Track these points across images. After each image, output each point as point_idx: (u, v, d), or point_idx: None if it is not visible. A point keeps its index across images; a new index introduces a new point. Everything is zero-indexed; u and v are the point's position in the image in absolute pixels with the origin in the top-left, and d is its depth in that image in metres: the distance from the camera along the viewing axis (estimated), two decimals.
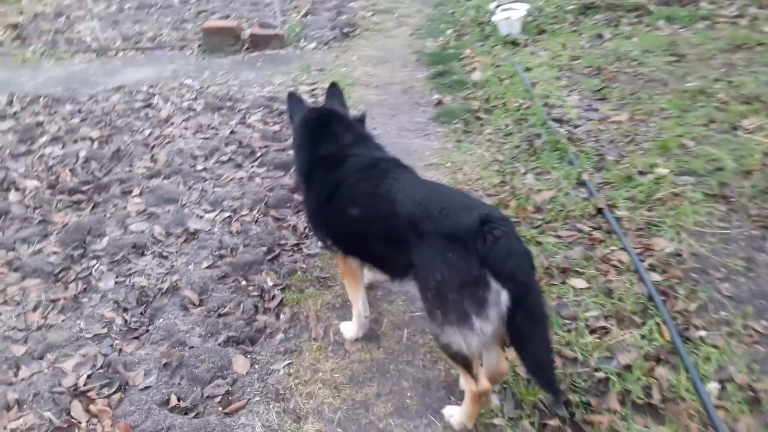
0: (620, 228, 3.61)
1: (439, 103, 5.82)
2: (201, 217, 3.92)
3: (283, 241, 3.67)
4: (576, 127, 5.00)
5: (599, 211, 3.82)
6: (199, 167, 4.60)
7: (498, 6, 7.80)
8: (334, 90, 3.07)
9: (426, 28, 8.42)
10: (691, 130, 4.65)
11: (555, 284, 3.24)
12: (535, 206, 3.97)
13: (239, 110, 5.70)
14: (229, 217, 3.92)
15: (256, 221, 3.87)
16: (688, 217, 3.63)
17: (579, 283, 3.23)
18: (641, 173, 4.18)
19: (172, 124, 5.48)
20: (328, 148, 2.69)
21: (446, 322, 2.10)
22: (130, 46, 8.33)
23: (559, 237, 3.63)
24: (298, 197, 4.18)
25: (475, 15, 8.32)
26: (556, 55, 6.64)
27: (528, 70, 6.35)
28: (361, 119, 4.16)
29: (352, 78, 6.60)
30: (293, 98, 3.09)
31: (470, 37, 7.57)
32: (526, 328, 2.04)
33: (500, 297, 2.00)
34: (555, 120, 5.12)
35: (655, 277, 3.21)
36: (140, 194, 4.24)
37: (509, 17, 7.33)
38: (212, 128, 5.29)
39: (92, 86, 6.83)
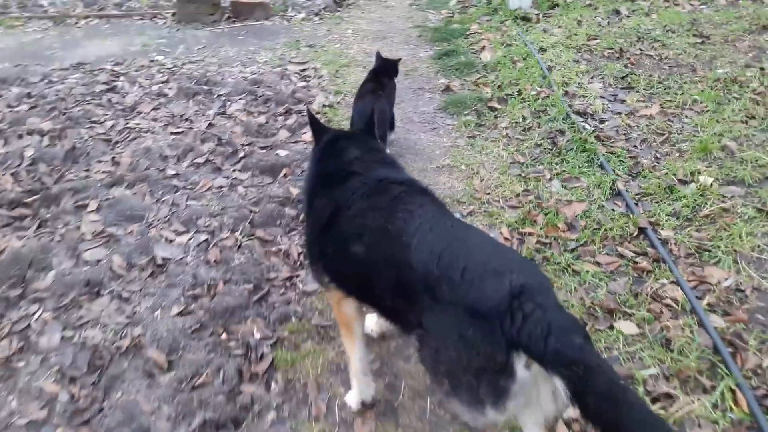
0: (668, 254, 3.06)
1: (447, 89, 5.16)
2: (171, 242, 3.26)
3: (272, 274, 3.04)
4: (602, 122, 4.42)
5: (641, 231, 3.27)
6: (170, 172, 3.90)
7: None
8: (369, 121, 2.58)
9: None
10: (730, 127, 4.14)
11: (601, 330, 2.70)
12: (567, 223, 3.42)
13: (218, 96, 4.97)
14: (206, 241, 3.27)
15: (239, 247, 3.22)
16: (743, 239, 3.12)
17: (629, 327, 2.71)
18: (682, 182, 3.65)
19: (139, 113, 4.74)
20: (331, 165, 2.33)
21: (454, 396, 1.76)
22: (94, 12, 7.45)
23: (598, 264, 3.08)
24: (290, 211, 3.53)
25: None
26: (572, 34, 6.01)
27: (542, 50, 5.70)
28: (394, 64, 4.24)
29: (348, 57, 5.88)
30: (316, 122, 2.58)
31: (476, 11, 6.87)
32: (609, 414, 1.49)
33: (552, 389, 1.58)
34: (578, 113, 4.51)
35: (717, 321, 2.70)
36: (97, 209, 3.55)
37: None
38: (186, 120, 4.57)
39: (46, 62, 6.01)
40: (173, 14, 7.10)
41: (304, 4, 7.29)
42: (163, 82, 5.28)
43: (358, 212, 2.07)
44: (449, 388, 1.75)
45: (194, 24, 6.90)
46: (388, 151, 4.29)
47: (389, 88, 4.19)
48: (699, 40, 5.61)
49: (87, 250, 3.23)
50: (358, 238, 2.03)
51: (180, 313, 2.77)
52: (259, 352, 2.57)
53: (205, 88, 5.08)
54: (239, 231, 3.35)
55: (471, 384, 1.67)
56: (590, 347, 1.57)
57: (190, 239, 3.29)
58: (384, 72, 4.22)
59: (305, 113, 4.66)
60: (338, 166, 2.28)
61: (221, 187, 3.76)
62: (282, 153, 4.11)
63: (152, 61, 5.93)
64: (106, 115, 4.76)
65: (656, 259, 3.03)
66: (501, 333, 1.57)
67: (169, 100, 4.92)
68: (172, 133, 4.38)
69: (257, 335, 2.65)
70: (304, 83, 5.20)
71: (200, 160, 4.04)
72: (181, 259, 3.16)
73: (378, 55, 4.33)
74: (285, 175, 3.90)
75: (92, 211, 3.56)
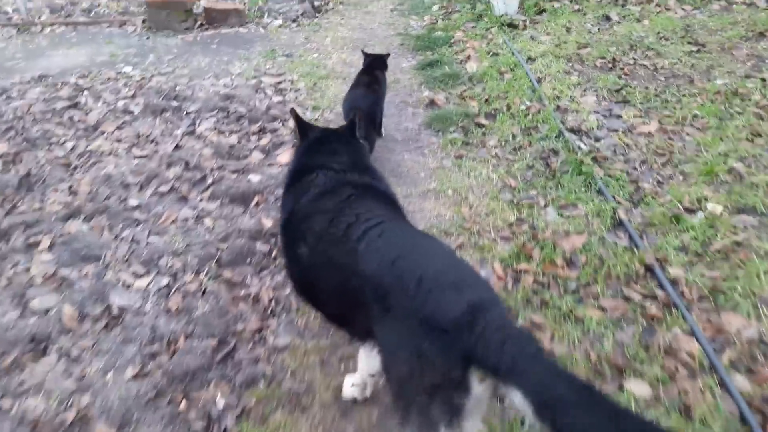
0: (680, 297, 2.78)
1: (432, 103, 4.86)
2: (128, 287, 2.94)
3: (239, 325, 2.73)
4: (597, 140, 4.15)
5: (648, 269, 2.99)
6: (132, 202, 3.57)
7: None
8: (352, 122, 2.51)
9: (409, 3, 7.37)
10: (735, 146, 3.88)
11: (610, 391, 2.40)
12: (565, 258, 3.13)
13: (187, 113, 4.63)
14: (167, 286, 2.95)
15: (204, 292, 2.91)
16: (761, 279, 2.83)
17: (641, 389, 2.41)
18: (689, 211, 3.37)
19: (102, 133, 4.40)
20: (300, 165, 2.31)
21: (408, 422, 1.63)
22: (60, 20, 7.05)
23: (602, 309, 2.80)
24: (261, 247, 3.23)
25: None
26: (561, 42, 5.74)
27: (531, 60, 5.42)
28: (383, 58, 4.29)
29: (326, 68, 5.55)
30: (301, 121, 2.50)
31: (460, 16, 6.57)
32: (581, 419, 1.31)
33: (514, 400, 1.40)
34: (572, 130, 4.24)
35: (741, 381, 2.40)
36: (50, 247, 3.21)
37: None
38: (152, 141, 4.23)
39: (7, 74, 5.62)
40: (144, 21, 6.73)
41: (281, 9, 6.94)
42: (129, 98, 4.92)
43: (305, 214, 2.04)
44: (403, 410, 1.65)
45: (166, 32, 6.53)
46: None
47: (382, 83, 4.24)
48: (694, 48, 5.38)
49: (36, 297, 2.89)
50: (302, 239, 2.00)
51: (135, 376, 2.45)
52: (223, 425, 2.26)
53: (174, 104, 4.74)
54: (204, 272, 3.03)
55: (424, 404, 1.56)
56: (544, 355, 1.46)
57: (150, 283, 2.97)
58: (376, 67, 4.26)
59: (280, 133, 4.36)
60: (305, 167, 2.25)
61: (186, 219, 3.43)
62: (254, 178, 3.79)
63: (119, 73, 5.56)
64: (67, 135, 4.40)
65: (666, 304, 2.74)
66: (459, 346, 1.47)
67: (135, 118, 4.58)
68: (135, 157, 4.03)
69: (220, 403, 2.33)
70: (279, 98, 4.87)
71: (165, 188, 3.70)
72: (139, 307, 2.83)
73: (365, 54, 4.36)
74: (257, 204, 3.59)
75: (44, 249, 3.22)
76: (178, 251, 3.17)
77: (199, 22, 6.63)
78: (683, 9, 6.36)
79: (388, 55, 4.42)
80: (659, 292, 2.83)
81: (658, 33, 5.75)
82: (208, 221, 3.42)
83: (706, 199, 3.38)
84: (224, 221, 3.42)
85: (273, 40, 6.31)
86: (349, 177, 2.14)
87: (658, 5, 6.47)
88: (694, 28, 5.81)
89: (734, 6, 6.27)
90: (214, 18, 6.60)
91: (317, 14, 6.94)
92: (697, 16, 6.17)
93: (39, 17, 7.11)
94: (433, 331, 1.51)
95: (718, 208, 3.29)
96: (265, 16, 6.81)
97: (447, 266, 1.72)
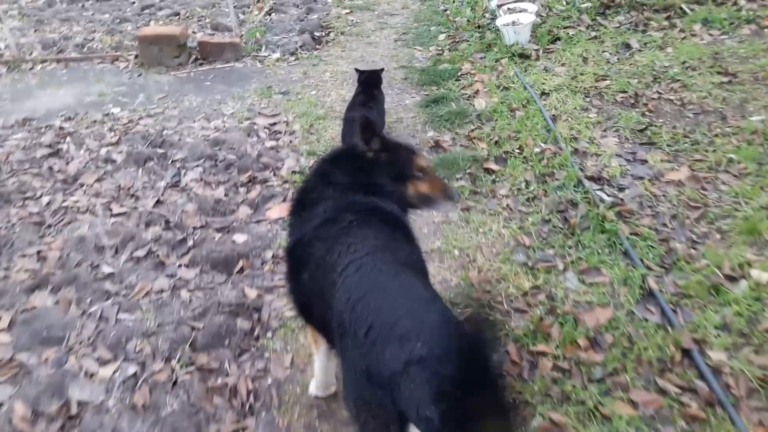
0: (725, 391, 2.37)
1: (437, 145, 4.50)
2: (91, 377, 2.59)
3: (212, 427, 2.36)
4: (621, 189, 3.74)
5: (685, 353, 2.58)
6: (104, 270, 3.24)
7: (500, 5, 6.41)
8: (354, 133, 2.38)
9: (414, 32, 7.03)
10: None
11: None
12: (589, 337, 2.73)
13: (173, 161, 4.30)
14: (134, 375, 2.59)
15: (174, 384, 2.55)
16: None
17: None
18: (730, 278, 2.94)
19: (81, 185, 4.08)
20: (313, 178, 2.27)
21: None
22: (52, 56, 6.80)
23: (633, 404, 2.40)
24: (243, 324, 2.86)
25: (472, 15, 6.93)
26: (578, 74, 5.34)
27: (544, 94, 5.05)
28: (378, 74, 4.44)
29: (324, 107, 5.22)
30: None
31: (468, 46, 6.20)
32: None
33: None
34: (592, 178, 3.84)
35: None
36: (10, 326, 2.88)
37: (516, 21, 5.96)
38: (132, 195, 3.90)
39: None
40: (136, 56, 6.45)
41: (280, 41, 6.63)
42: (112, 144, 4.60)
43: (309, 239, 2.01)
44: None
45: (158, 68, 6.24)
46: None
47: (379, 100, 4.35)
48: (725, 79, 4.91)
49: None
50: (305, 265, 2.00)
51: None
52: None
53: (159, 151, 4.41)
54: (176, 358, 2.66)
55: None
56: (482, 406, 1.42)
57: (115, 372, 2.61)
58: (371, 84, 4.39)
59: (270, 183, 4.03)
60: (313, 186, 2.21)
61: (161, 291, 3.08)
62: (240, 239, 3.44)
63: (106, 114, 5.26)
64: (44, 188, 4.09)
65: (709, 401, 2.33)
66: (393, 403, 1.46)
67: (117, 168, 4.25)
68: (113, 215, 3.70)
69: None
70: (273, 142, 4.53)
71: (141, 252, 3.36)
72: (101, 403, 2.47)
73: (358, 71, 4.47)
74: (242, 270, 3.23)
75: (3, 329, 2.89)
76: (149, 332, 2.81)
77: (193, 57, 6.34)
78: (710, 34, 5.91)
79: (382, 70, 4.54)
80: (700, 384, 2.43)
81: (684, 62, 5.31)
82: (184, 293, 3.06)
83: (749, 264, 2.96)
84: (202, 294, 3.06)
85: (270, 76, 6.00)
86: (353, 198, 2.07)
87: (682, 30, 6.04)
88: (723, 55, 5.36)
89: (766, 30, 5.82)
90: (209, 53, 6.31)
91: (317, 46, 6.62)
92: (725, 42, 5.71)
93: (30, 53, 6.87)
94: (372, 384, 1.51)
95: (765, 276, 2.87)
96: (263, 49, 6.49)
97: (405, 313, 1.60)
